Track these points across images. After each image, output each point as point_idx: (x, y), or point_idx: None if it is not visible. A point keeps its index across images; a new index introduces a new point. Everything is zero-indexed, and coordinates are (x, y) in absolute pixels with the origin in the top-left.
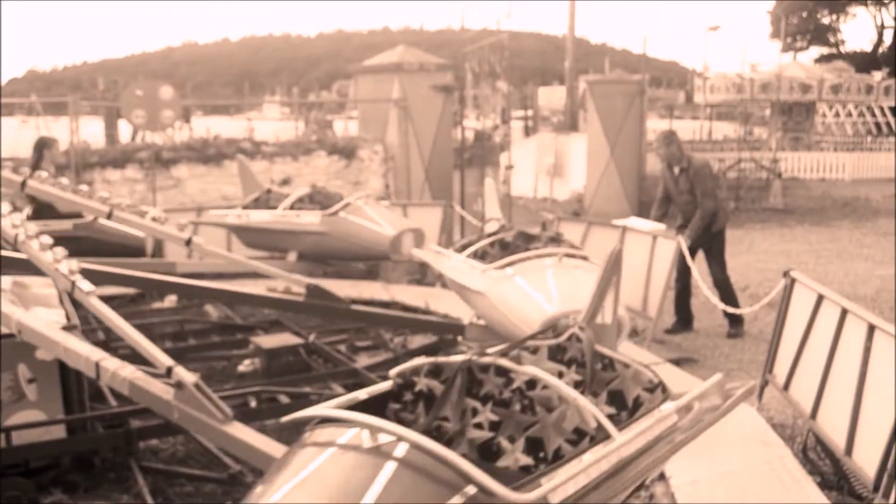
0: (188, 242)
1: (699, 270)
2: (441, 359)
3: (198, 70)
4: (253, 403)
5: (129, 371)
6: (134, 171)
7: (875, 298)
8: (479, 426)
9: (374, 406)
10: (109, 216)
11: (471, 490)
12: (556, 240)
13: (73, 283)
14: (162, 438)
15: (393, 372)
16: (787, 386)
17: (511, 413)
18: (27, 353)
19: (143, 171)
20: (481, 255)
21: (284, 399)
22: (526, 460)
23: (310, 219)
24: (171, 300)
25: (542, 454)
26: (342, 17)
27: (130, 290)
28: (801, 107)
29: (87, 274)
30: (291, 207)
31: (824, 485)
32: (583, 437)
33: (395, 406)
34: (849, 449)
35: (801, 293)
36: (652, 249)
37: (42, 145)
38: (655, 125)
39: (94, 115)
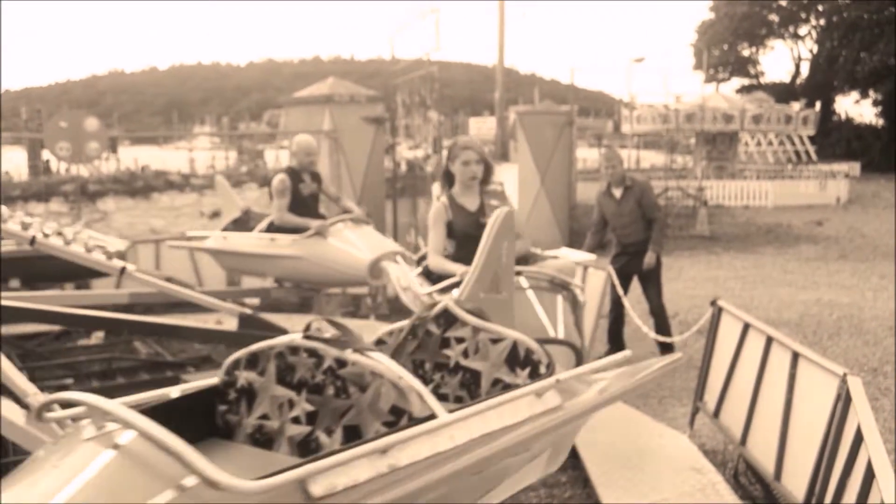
0: (122, 272)
1: (629, 299)
2: (259, 345)
3: (125, 99)
4: None
5: None
6: (58, 204)
7: (799, 323)
8: (296, 420)
9: (198, 407)
10: (32, 243)
11: (190, 482)
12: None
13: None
14: None
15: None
16: (717, 413)
17: (325, 400)
18: None
19: (68, 205)
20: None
21: None
22: None
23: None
24: (97, 336)
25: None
26: (272, 47)
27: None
28: (725, 136)
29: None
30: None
31: None
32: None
33: (222, 407)
34: (778, 474)
35: (728, 321)
36: (583, 280)
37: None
38: (585, 154)
39: (16, 146)
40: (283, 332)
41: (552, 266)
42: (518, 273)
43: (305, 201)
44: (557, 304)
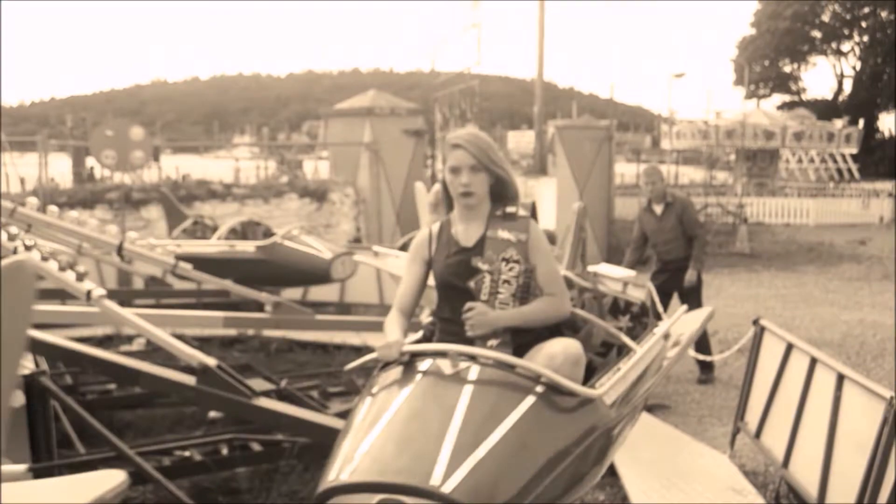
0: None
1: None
2: None
3: (167, 108)
4: (224, 451)
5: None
6: (103, 211)
7: (841, 343)
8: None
9: None
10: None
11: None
12: None
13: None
14: (132, 486)
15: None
16: (758, 433)
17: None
18: None
19: (112, 212)
20: None
21: (256, 446)
22: None
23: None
24: (139, 343)
25: None
26: (312, 58)
27: (98, 332)
28: (766, 153)
29: None
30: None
31: None
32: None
33: None
34: (821, 498)
35: (771, 341)
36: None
37: None
38: (623, 169)
39: (61, 152)
40: (245, 393)
41: (545, 353)
42: (491, 363)
43: None
44: (515, 413)
